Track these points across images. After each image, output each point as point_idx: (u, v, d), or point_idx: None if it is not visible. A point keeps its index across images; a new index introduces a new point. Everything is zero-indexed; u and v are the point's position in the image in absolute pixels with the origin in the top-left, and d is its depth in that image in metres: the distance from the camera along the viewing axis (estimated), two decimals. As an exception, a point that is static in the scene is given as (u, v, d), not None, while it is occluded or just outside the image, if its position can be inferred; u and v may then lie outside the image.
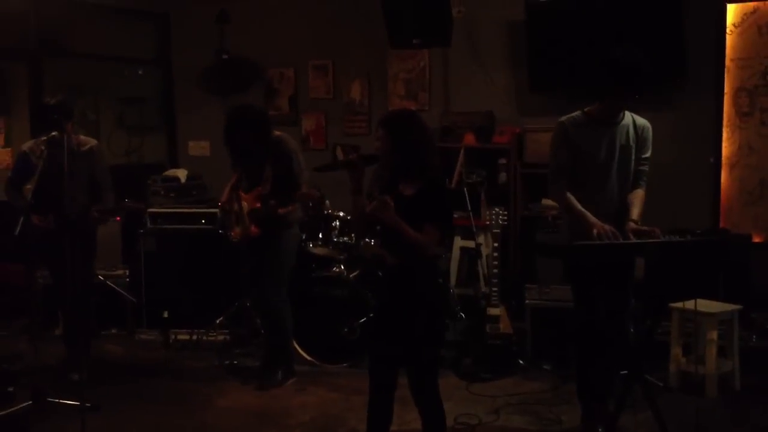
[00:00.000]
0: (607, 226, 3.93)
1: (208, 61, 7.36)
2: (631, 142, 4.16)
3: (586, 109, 4.18)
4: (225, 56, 7.38)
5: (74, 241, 5.03)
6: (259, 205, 5.12)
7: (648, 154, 4.23)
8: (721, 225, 5.95)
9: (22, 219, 5.23)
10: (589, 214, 4.02)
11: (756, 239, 5.80)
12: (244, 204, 5.19)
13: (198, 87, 7.61)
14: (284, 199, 5.02)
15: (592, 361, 4.24)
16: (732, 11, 5.89)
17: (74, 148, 5.18)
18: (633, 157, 4.18)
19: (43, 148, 5.23)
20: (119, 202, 5.43)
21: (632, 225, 4.05)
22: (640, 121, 4.22)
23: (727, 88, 5.96)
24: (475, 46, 6.82)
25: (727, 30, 5.91)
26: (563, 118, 4.23)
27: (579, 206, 4.08)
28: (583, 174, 4.14)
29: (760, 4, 5.81)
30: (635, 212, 4.12)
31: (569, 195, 4.13)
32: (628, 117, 4.17)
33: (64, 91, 7.36)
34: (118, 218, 6.36)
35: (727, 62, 5.94)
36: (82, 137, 5.48)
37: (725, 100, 5.97)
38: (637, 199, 4.19)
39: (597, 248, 3.93)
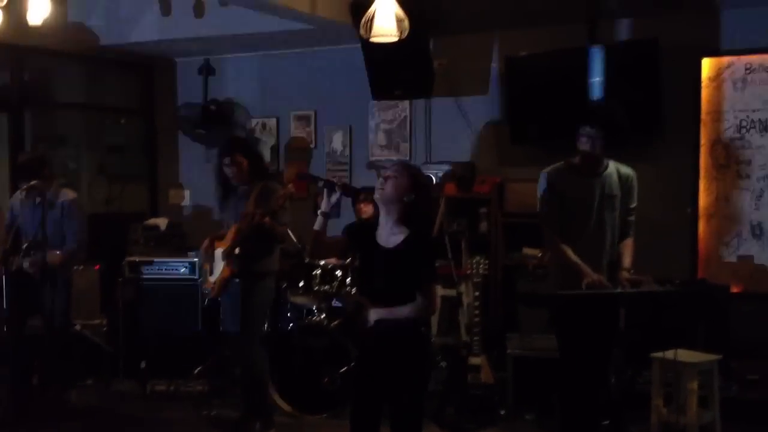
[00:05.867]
0: (596, 276, 3.95)
1: (193, 113, 7.39)
2: (616, 191, 4.19)
3: (568, 160, 4.22)
4: (213, 107, 7.40)
5: (44, 289, 5.08)
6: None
7: (635, 204, 4.27)
8: (700, 275, 5.99)
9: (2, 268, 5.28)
10: (583, 264, 4.02)
11: (734, 290, 5.84)
12: (218, 251, 5.19)
13: (179, 136, 7.63)
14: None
15: (576, 410, 4.23)
16: (707, 65, 6.01)
17: (51, 199, 5.24)
18: (618, 206, 4.20)
19: (22, 196, 5.37)
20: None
21: (625, 275, 4.07)
22: (624, 170, 4.24)
23: (703, 140, 6.05)
24: (457, 98, 6.90)
25: (703, 83, 6.02)
26: (547, 168, 4.26)
27: (574, 256, 4.08)
28: (568, 224, 4.16)
29: (735, 58, 5.93)
30: (627, 261, 4.15)
31: (563, 245, 4.13)
32: (612, 167, 4.21)
33: (42, 141, 7.45)
34: (97, 266, 6.35)
35: (703, 115, 6.03)
36: (63, 189, 5.55)
37: (702, 152, 6.05)
38: (627, 248, 4.22)
39: (578, 297, 3.94)
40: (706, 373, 5.02)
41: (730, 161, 5.99)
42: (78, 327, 6.18)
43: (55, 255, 5.23)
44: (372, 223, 3.76)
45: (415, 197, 3.64)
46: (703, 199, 6.06)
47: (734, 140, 5.97)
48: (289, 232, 5.34)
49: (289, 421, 5.49)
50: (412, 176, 3.69)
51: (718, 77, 6.00)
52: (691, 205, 6.07)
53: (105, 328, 6.42)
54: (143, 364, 6.18)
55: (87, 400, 6.07)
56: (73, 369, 5.97)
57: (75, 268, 5.89)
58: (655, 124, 5.97)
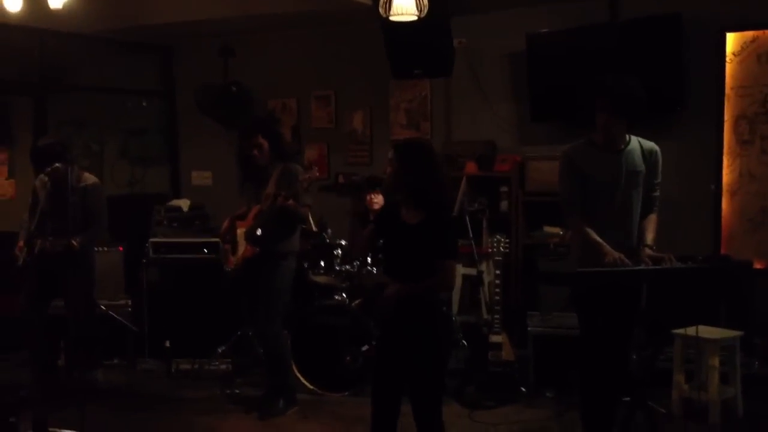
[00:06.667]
0: (617, 254, 3.92)
1: (212, 92, 7.42)
2: (639, 167, 4.13)
3: (590, 136, 4.18)
4: (234, 89, 7.42)
5: (66, 272, 5.13)
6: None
7: (659, 180, 4.18)
8: (723, 251, 5.95)
9: (24, 249, 5.35)
10: (604, 243, 3.99)
11: (757, 266, 5.79)
12: (240, 231, 5.23)
13: (201, 118, 7.66)
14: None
15: (597, 388, 4.22)
16: (731, 40, 5.93)
17: (73, 183, 5.28)
18: (642, 182, 4.15)
19: (46, 179, 5.43)
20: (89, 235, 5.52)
21: (647, 251, 4.03)
22: (648, 145, 4.17)
23: (727, 116, 5.98)
24: (477, 76, 6.88)
25: (727, 59, 5.95)
26: (566, 147, 4.22)
27: (594, 235, 4.03)
28: (590, 201, 4.13)
29: (760, 33, 5.85)
30: (650, 237, 4.10)
31: (585, 224, 4.10)
32: (635, 142, 4.15)
33: (64, 124, 7.51)
34: (121, 248, 6.42)
35: (727, 90, 5.97)
36: (85, 174, 5.60)
37: (725, 128, 5.99)
38: (651, 224, 4.16)
39: (599, 275, 3.92)
40: (728, 349, 5.01)
41: (755, 137, 5.93)
42: (103, 308, 6.25)
43: (75, 240, 5.28)
44: (398, 204, 3.76)
45: (417, 176, 3.62)
46: (726, 176, 6.01)
47: (759, 115, 5.90)
48: (310, 214, 5.35)
49: (312, 399, 5.53)
50: (402, 157, 3.67)
51: (742, 52, 5.92)
52: (715, 182, 6.03)
53: (129, 309, 6.48)
54: (168, 344, 6.24)
55: (113, 379, 6.15)
56: (98, 349, 6.05)
57: (98, 249, 5.95)
58: (678, 100, 5.92)
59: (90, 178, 5.61)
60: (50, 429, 4.73)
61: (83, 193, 5.45)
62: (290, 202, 5.00)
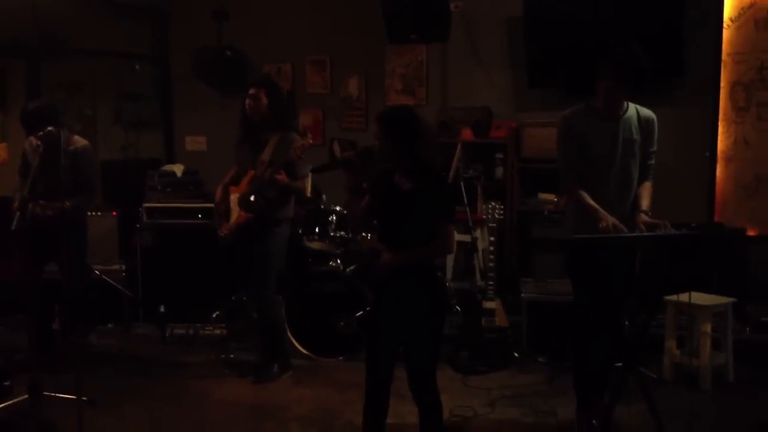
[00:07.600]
0: (611, 220, 3.92)
1: (206, 56, 7.36)
2: (635, 135, 4.11)
3: (589, 102, 4.16)
4: (228, 53, 7.34)
5: (59, 236, 5.11)
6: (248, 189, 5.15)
7: (654, 148, 4.19)
8: (716, 219, 5.96)
9: (18, 214, 5.32)
10: (599, 209, 3.99)
11: (751, 233, 5.81)
12: (233, 197, 5.21)
13: (195, 83, 7.60)
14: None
15: (589, 353, 4.25)
16: (729, 6, 5.90)
17: (63, 146, 5.22)
18: (638, 150, 4.15)
19: (37, 143, 5.36)
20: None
21: (643, 217, 4.04)
22: (645, 113, 4.16)
23: (723, 83, 5.97)
24: (473, 42, 6.83)
25: (724, 24, 5.92)
26: (565, 112, 4.19)
27: (590, 200, 4.03)
28: (586, 167, 4.12)
29: (757, -2, 5.82)
30: (645, 204, 4.11)
31: (580, 190, 4.11)
32: (632, 109, 4.13)
33: (58, 88, 7.43)
34: (114, 213, 6.40)
35: (724, 57, 5.95)
36: (75, 137, 5.54)
37: (721, 95, 5.98)
38: (646, 190, 4.16)
39: (593, 241, 3.93)
40: (720, 315, 5.04)
41: (750, 104, 5.91)
42: (97, 272, 6.25)
43: (67, 203, 5.25)
44: (392, 171, 3.74)
45: (404, 144, 3.60)
46: (721, 143, 6.01)
47: (755, 82, 5.88)
48: (309, 181, 5.31)
49: (306, 364, 5.56)
50: (386, 127, 3.65)
51: (740, 18, 5.89)
52: (710, 149, 6.02)
53: (124, 274, 6.49)
54: (162, 309, 6.25)
55: (107, 344, 6.18)
56: (93, 313, 6.06)
57: (92, 214, 5.93)
58: (676, 66, 5.89)
59: (80, 141, 5.55)
60: (45, 393, 4.75)
61: (73, 156, 5.41)
62: (281, 175, 4.99)
